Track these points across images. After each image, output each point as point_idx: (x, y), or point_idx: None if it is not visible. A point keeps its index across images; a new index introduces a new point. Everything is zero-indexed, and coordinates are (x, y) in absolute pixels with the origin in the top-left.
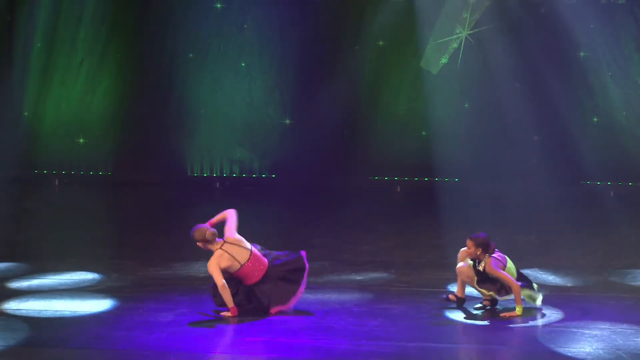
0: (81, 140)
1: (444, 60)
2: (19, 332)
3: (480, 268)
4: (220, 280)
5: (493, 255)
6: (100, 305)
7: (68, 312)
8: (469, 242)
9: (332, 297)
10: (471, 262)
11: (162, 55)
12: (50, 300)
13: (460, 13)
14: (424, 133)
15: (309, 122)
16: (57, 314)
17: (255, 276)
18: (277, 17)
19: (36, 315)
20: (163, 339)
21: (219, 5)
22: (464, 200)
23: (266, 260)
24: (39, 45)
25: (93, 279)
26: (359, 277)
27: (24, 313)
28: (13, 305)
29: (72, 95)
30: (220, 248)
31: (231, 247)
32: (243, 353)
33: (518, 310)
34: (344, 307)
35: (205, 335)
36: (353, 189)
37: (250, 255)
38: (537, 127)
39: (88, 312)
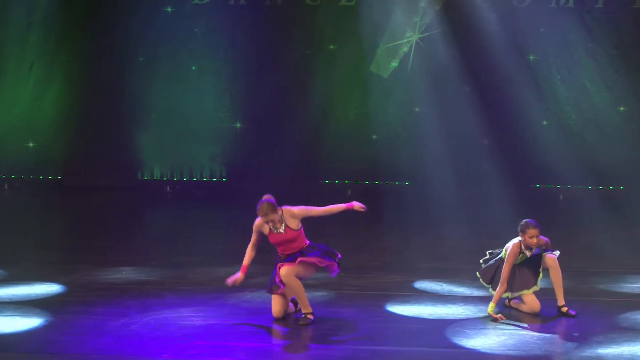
0: (31, 144)
1: (394, 64)
2: None
3: (528, 254)
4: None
5: None
6: (50, 309)
7: (18, 317)
8: (536, 231)
9: None
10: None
11: (112, 59)
12: None
13: (411, 17)
14: (374, 137)
15: (260, 126)
16: (7, 319)
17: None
18: (228, 21)
19: None
20: (113, 343)
21: (169, 9)
22: (414, 203)
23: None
24: None
25: (43, 284)
26: (309, 281)
27: None
28: None
29: (22, 99)
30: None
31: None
32: (193, 357)
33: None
34: (294, 311)
35: (155, 339)
36: (304, 192)
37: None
38: (487, 131)
39: (37, 317)
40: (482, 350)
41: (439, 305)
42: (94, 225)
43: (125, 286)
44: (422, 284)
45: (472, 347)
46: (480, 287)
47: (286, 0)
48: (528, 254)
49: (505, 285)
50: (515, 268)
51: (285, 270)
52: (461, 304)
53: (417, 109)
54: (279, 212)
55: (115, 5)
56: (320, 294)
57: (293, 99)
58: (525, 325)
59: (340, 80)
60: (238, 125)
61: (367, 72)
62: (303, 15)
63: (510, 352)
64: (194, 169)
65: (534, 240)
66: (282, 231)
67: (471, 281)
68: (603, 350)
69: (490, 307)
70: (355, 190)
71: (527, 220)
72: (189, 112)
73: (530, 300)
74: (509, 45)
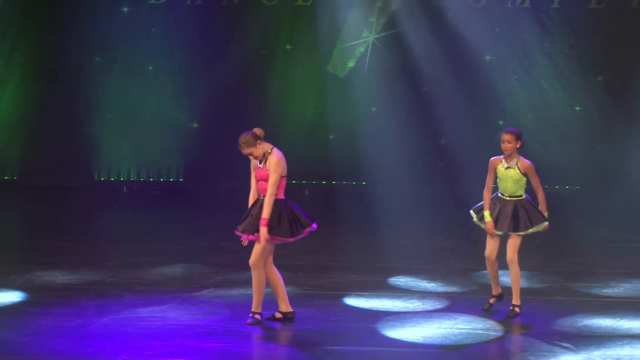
0: None
1: (351, 64)
2: None
3: (512, 164)
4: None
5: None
6: (5, 310)
7: None
8: (508, 136)
9: (240, 301)
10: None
11: (68, 59)
12: None
13: (367, 17)
14: (331, 137)
15: (217, 126)
16: None
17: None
18: (185, 21)
19: None
20: (70, 344)
21: (125, 9)
22: (372, 203)
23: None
24: None
25: None
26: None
27: None
28: None
29: None
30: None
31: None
32: (151, 358)
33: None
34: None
35: (112, 340)
36: None
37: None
38: (444, 131)
39: None
40: (436, 347)
41: (397, 303)
42: (50, 226)
43: (82, 287)
44: (380, 283)
45: (426, 345)
46: (439, 283)
47: (242, 0)
48: (505, 164)
49: (489, 193)
50: (502, 207)
51: (254, 259)
52: (418, 302)
53: (374, 109)
54: (260, 146)
55: (71, 5)
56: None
57: (250, 99)
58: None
59: (297, 80)
60: (195, 125)
61: (323, 72)
62: (259, 15)
63: (466, 348)
64: (151, 169)
65: (504, 144)
66: (261, 166)
67: (428, 279)
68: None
69: (487, 216)
70: (312, 190)
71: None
72: (146, 112)
73: (510, 243)
74: (465, 45)
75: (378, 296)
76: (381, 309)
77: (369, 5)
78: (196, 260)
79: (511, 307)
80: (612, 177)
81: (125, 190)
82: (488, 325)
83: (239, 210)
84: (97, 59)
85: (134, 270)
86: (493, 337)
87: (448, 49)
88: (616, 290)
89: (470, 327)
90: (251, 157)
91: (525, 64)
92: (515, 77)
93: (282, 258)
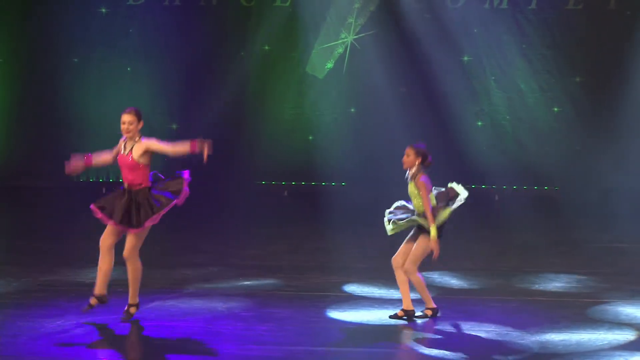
0: None
1: (329, 65)
2: None
3: (410, 175)
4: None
5: (425, 174)
6: None
7: None
8: (408, 150)
9: (220, 302)
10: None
11: (46, 60)
12: None
13: (345, 18)
14: (310, 138)
15: (196, 127)
16: None
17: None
18: (163, 22)
19: None
20: (49, 345)
21: (104, 10)
22: (350, 204)
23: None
24: None
25: None
26: (246, 282)
27: None
28: None
29: None
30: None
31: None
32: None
33: (432, 231)
34: (232, 312)
35: (92, 342)
36: (240, 193)
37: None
38: (422, 132)
39: None
40: (418, 350)
41: (375, 306)
42: (31, 226)
43: (61, 288)
44: (358, 284)
45: (409, 347)
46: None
47: (221, 1)
48: (408, 175)
49: (429, 212)
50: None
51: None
52: (397, 305)
53: (352, 110)
54: (137, 126)
55: (49, 6)
56: (257, 294)
57: (229, 99)
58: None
59: (276, 81)
60: (174, 126)
61: (302, 73)
62: (238, 16)
63: (447, 352)
64: None
65: (404, 158)
66: (125, 153)
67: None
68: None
69: (433, 231)
70: (292, 190)
71: None
72: None
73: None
74: (443, 46)
75: (358, 297)
76: (362, 309)
77: (347, 6)
78: (174, 262)
79: None
80: (590, 178)
81: (104, 191)
82: (468, 326)
83: (216, 211)
84: (76, 60)
85: (113, 271)
86: (472, 338)
87: (426, 50)
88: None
89: (452, 329)
90: (124, 128)
91: (503, 65)
92: (493, 78)
93: (260, 259)
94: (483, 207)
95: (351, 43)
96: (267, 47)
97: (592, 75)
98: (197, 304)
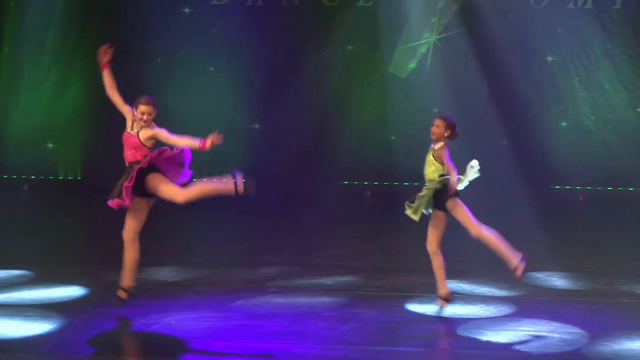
0: (50, 145)
1: (412, 65)
2: None
3: (436, 147)
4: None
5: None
6: (69, 310)
7: (38, 318)
8: (438, 121)
9: (302, 301)
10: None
11: (130, 60)
12: (19, 304)
13: (429, 18)
14: (392, 138)
15: (278, 127)
16: (26, 320)
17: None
18: (246, 22)
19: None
20: (134, 343)
21: (187, 10)
22: None
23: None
24: (7, 50)
25: (64, 285)
26: (329, 282)
27: None
28: None
29: (40, 100)
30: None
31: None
32: (213, 358)
33: (452, 177)
34: (314, 312)
35: (175, 340)
36: (323, 193)
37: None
38: (506, 132)
39: (57, 318)
40: (502, 350)
41: (459, 306)
42: (114, 225)
43: (145, 287)
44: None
45: (491, 348)
46: (501, 287)
47: (303, 2)
48: (432, 146)
49: (453, 174)
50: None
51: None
52: (481, 304)
53: (435, 110)
54: (150, 114)
55: (133, 6)
56: (340, 294)
57: (311, 99)
58: (544, 327)
59: (358, 81)
60: (256, 126)
61: (385, 73)
62: (321, 16)
63: (531, 352)
64: (213, 169)
65: (432, 128)
66: (132, 133)
67: (491, 282)
68: (621, 347)
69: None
70: (374, 191)
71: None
72: (207, 113)
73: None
74: (527, 46)
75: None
76: (444, 313)
77: (431, 6)
78: (258, 262)
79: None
80: None
81: None
82: (552, 327)
83: (300, 211)
84: (159, 60)
85: (195, 270)
86: (557, 340)
87: (509, 50)
88: None
89: (534, 329)
90: (142, 118)
91: (587, 65)
92: (577, 78)
93: (342, 258)
94: (567, 208)
95: (434, 43)
96: (349, 47)
97: None
98: (280, 303)
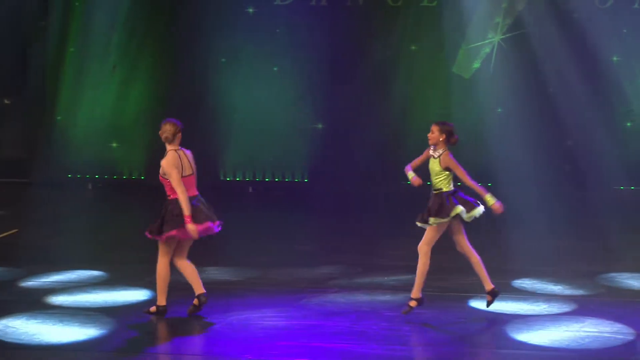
0: (114, 145)
1: (476, 65)
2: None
3: (436, 155)
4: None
5: (450, 152)
6: (132, 310)
7: (103, 317)
8: (433, 127)
9: (364, 301)
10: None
11: (194, 60)
12: (84, 302)
13: (493, 18)
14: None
15: (341, 127)
16: (91, 319)
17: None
18: (310, 22)
19: (65, 319)
20: (196, 343)
21: (251, 10)
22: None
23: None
24: (72, 50)
25: (122, 283)
26: (391, 282)
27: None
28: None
29: (105, 99)
30: (175, 150)
31: (183, 154)
32: (276, 357)
33: (489, 199)
34: (376, 312)
35: (238, 339)
36: (386, 193)
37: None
38: (570, 132)
39: (121, 318)
40: (561, 352)
41: (523, 306)
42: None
43: (208, 286)
44: (504, 285)
45: (551, 349)
46: (565, 286)
47: (367, 1)
48: (432, 152)
49: (468, 180)
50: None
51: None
52: (545, 305)
53: (499, 110)
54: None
55: (197, 7)
56: (402, 295)
57: (374, 99)
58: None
59: (422, 81)
60: (320, 125)
61: (448, 73)
62: (384, 16)
63: (589, 354)
64: (276, 169)
65: (429, 134)
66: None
67: (554, 282)
68: None
69: (489, 199)
70: None
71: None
72: (270, 113)
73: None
74: (591, 46)
75: (503, 298)
76: (506, 312)
77: (495, 5)
78: (320, 261)
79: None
80: None
81: (251, 190)
82: (616, 329)
83: (363, 211)
84: (223, 60)
85: (258, 270)
86: (620, 341)
87: (574, 50)
88: None
89: (597, 330)
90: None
91: None
92: None
93: (404, 258)
94: (632, 209)
95: (498, 43)
96: (413, 48)
97: None
98: (342, 303)
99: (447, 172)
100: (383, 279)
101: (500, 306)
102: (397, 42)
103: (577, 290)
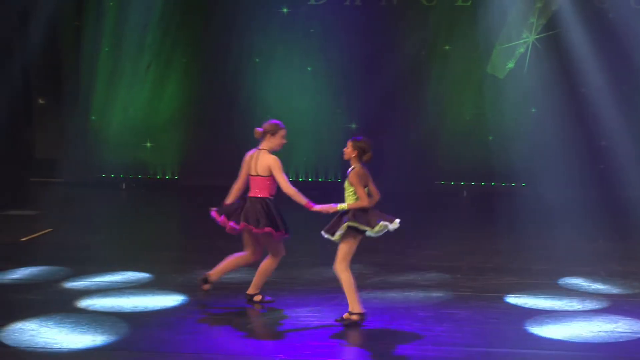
0: (148, 144)
1: (510, 65)
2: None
3: (348, 171)
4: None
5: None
6: (165, 309)
7: (136, 315)
8: (348, 142)
9: (397, 302)
10: None
11: (228, 60)
12: (116, 303)
13: (527, 18)
14: (490, 138)
15: (375, 127)
16: (125, 317)
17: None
18: (343, 22)
19: (100, 317)
20: (228, 342)
21: (285, 10)
22: (530, 205)
23: None
24: (106, 50)
25: (157, 282)
26: (424, 282)
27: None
28: (85, 305)
29: (139, 99)
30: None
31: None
32: (308, 357)
33: (342, 206)
34: (409, 312)
35: (268, 339)
36: (419, 193)
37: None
38: (604, 132)
39: (153, 316)
40: (599, 349)
41: (556, 303)
42: (210, 224)
43: (240, 286)
44: (537, 285)
45: (582, 349)
46: (599, 286)
47: (402, 1)
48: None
49: (365, 202)
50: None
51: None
52: (579, 304)
53: (533, 110)
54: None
55: (231, 6)
56: (435, 294)
57: (408, 99)
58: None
59: (456, 81)
60: (353, 125)
61: (482, 72)
62: (418, 16)
63: (621, 354)
64: (309, 169)
65: (347, 150)
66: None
67: (589, 281)
68: None
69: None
70: (471, 191)
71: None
72: (304, 113)
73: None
74: (626, 46)
75: (536, 298)
76: (540, 310)
77: (529, 5)
78: (354, 261)
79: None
80: None
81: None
82: None
83: (395, 211)
84: (257, 60)
85: (291, 269)
86: None
87: (609, 50)
88: None
89: (630, 331)
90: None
91: None
92: None
93: (438, 259)
94: None
95: (532, 43)
96: (447, 47)
97: None
98: (375, 303)
99: (353, 189)
100: (417, 279)
101: (534, 305)
102: (431, 41)
103: (611, 290)
